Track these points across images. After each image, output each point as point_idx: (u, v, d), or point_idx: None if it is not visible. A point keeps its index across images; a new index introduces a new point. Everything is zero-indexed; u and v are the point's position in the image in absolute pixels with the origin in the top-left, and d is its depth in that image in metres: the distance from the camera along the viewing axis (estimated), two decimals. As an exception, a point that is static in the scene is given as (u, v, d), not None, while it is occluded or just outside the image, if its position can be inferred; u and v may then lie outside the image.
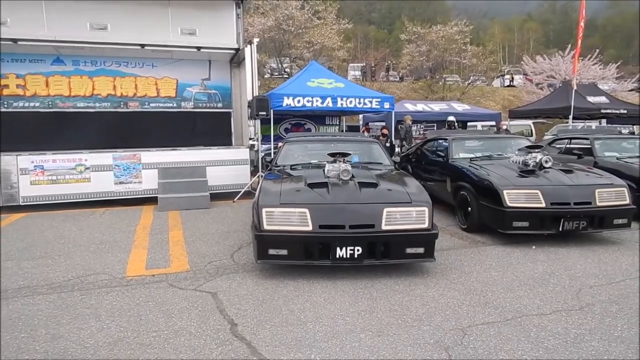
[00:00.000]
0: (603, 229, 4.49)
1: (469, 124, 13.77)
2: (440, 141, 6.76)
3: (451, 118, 11.28)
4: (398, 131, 10.61)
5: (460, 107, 13.51)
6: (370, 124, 13.56)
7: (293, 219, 3.43)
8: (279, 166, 4.93)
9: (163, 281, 3.52)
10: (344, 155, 4.16)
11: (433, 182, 6.41)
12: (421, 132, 12.97)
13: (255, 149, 7.77)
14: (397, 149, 10.40)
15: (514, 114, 14.27)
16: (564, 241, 4.64)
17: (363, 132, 12.30)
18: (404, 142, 10.28)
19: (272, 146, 8.55)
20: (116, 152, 6.93)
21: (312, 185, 3.78)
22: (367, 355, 2.45)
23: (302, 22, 21.26)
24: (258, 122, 7.89)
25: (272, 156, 6.31)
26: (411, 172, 7.04)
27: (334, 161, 4.12)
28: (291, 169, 4.71)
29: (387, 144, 9.37)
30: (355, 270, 3.67)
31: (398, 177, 4.38)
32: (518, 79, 29.25)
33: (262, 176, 5.35)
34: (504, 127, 12.45)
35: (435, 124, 13.03)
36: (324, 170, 4.16)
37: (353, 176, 3.90)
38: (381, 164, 5.00)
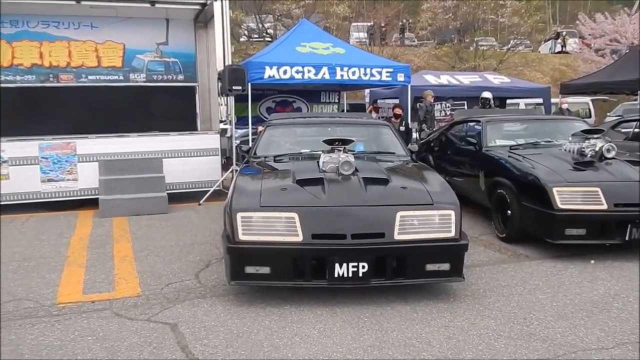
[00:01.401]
0: (682, 238, 4.57)
1: (508, 101, 13.78)
2: (471, 124, 6.78)
3: (486, 94, 11.27)
4: (416, 111, 10.61)
5: (497, 79, 13.50)
6: (379, 101, 13.55)
7: (278, 227, 3.44)
8: (258, 157, 4.94)
9: (106, 309, 3.51)
10: (345, 142, 4.17)
11: (461, 177, 6.44)
12: (446, 113, 12.97)
13: (228, 134, 7.75)
14: (414, 135, 10.37)
15: (567, 89, 14.29)
16: (632, 253, 4.66)
17: (370, 112, 12.28)
18: (423, 125, 10.29)
19: (249, 131, 8.53)
20: (43, 140, 6.89)
21: (302, 182, 3.79)
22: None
23: (289, -32, 21.18)
24: (232, 99, 7.85)
25: (250, 144, 6.29)
26: (433, 164, 7.09)
27: (332, 150, 4.13)
28: (275, 160, 4.73)
29: (402, 128, 9.36)
30: (359, 293, 3.66)
31: (416, 170, 4.41)
32: (572, 44, 29.34)
33: (236, 171, 5.32)
34: (565, 106, 12.42)
35: (465, 102, 13.01)
36: (318, 162, 4.18)
37: (356, 170, 3.90)
38: (393, 153, 5.03)
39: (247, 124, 8.84)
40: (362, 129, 5.56)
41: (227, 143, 7.84)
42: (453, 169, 6.72)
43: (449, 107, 13.08)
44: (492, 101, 11.34)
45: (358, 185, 3.72)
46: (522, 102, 14.67)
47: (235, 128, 8.25)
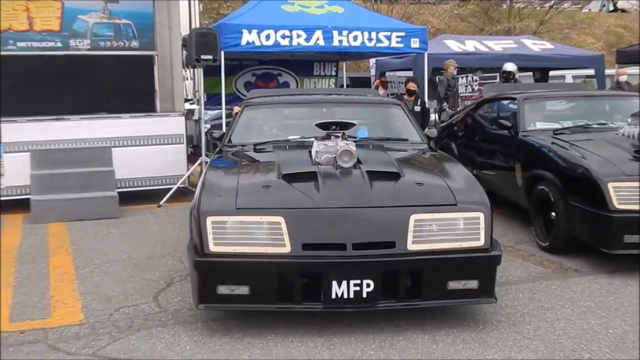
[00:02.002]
0: None
1: (551, 73, 13.80)
2: (505, 102, 6.79)
3: (509, 66, 11.21)
4: (435, 86, 10.60)
5: (537, 45, 13.48)
6: (388, 74, 13.54)
7: (259, 235, 3.44)
8: (234, 146, 4.97)
9: (40, 341, 3.48)
10: (344, 126, 4.17)
11: (493, 170, 6.45)
12: (473, 88, 12.95)
13: (196, 117, 7.71)
14: (433, 116, 10.35)
15: (626, 57, 14.27)
16: None
17: (376, 87, 12.25)
18: (444, 104, 10.29)
19: (223, 113, 8.49)
20: (-41, 124, 6.90)
21: (290, 178, 3.78)
22: None
23: None
24: (200, 72, 7.79)
25: (224, 129, 6.25)
26: (456, 153, 7.12)
27: (328, 137, 4.13)
28: (255, 150, 4.75)
29: (417, 108, 9.34)
30: (363, 319, 3.63)
31: (435, 162, 4.42)
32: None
33: (206, 163, 5.29)
34: (624, 78, 12.41)
35: (496, 74, 12.98)
36: (310, 152, 4.19)
37: (359, 161, 3.90)
38: (406, 140, 5.07)
39: (220, 104, 8.81)
40: (366, 110, 5.59)
41: (195, 128, 7.81)
42: (482, 159, 6.73)
43: (476, 80, 13.05)
44: (516, 75, 11.31)
45: (361, 181, 3.71)
46: (568, 74, 14.67)
47: (205, 109, 8.21)
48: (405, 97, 9.59)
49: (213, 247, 3.39)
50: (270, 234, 3.42)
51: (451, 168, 4.17)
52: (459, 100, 10.98)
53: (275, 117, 5.46)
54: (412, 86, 9.76)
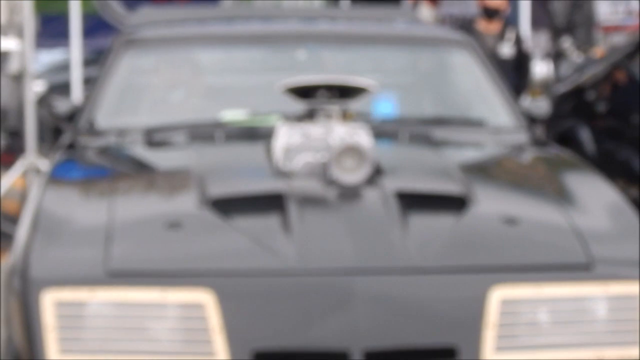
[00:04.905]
0: None
1: None
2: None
3: None
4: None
5: None
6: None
7: (158, 333, 3.38)
8: (102, 133, 5.25)
9: None
10: (346, 92, 4.42)
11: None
12: (630, 10, 13.17)
13: (14, 70, 7.78)
14: (542, 69, 10.53)
15: None
16: None
17: (414, 1, 12.46)
18: (563, 39, 10.50)
19: (74, 59, 8.57)
20: None
21: (226, 206, 3.76)
22: None
23: None
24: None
25: (79, 97, 6.29)
26: (593, 151, 7.31)
27: (309, 116, 4.37)
28: (150, 144, 5.00)
29: (506, 49, 9.59)
30: None
31: (545, 172, 4.70)
32: None
33: (39, 172, 5.35)
34: None
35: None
36: (268, 149, 4.38)
37: (380, 171, 4.01)
38: (480, 124, 5.37)
39: (66, 37, 8.92)
40: (393, 55, 5.94)
41: (12, 92, 7.89)
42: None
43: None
44: None
45: (382, 215, 3.72)
46: None
47: (37, 48, 8.29)
48: (482, 23, 9.80)
49: (58, 358, 3.34)
50: (183, 329, 3.36)
51: (581, 185, 4.31)
52: (597, 32, 11.20)
53: (192, 69, 5.63)
54: (494, 2, 9.99)
